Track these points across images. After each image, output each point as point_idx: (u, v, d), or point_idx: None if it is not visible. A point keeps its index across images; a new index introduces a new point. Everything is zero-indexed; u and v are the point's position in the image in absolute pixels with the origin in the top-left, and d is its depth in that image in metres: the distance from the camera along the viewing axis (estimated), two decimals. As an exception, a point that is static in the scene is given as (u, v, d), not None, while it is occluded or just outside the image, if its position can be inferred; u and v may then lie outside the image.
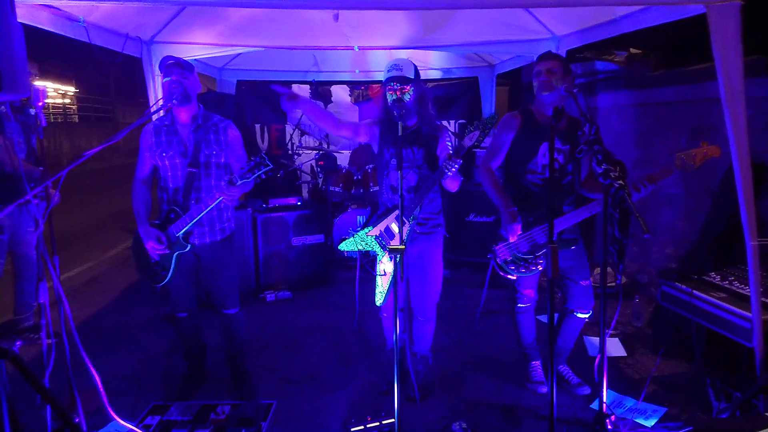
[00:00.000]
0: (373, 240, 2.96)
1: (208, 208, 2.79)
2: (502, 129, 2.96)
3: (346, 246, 3.03)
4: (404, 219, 2.79)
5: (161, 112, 2.96)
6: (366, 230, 2.98)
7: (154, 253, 2.87)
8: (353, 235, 3.01)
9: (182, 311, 3.12)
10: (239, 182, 2.64)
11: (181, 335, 3.23)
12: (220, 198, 2.72)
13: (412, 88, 2.82)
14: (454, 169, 2.63)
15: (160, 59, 2.85)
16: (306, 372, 3.46)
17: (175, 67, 2.77)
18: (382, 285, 2.97)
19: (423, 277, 3.04)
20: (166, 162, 2.87)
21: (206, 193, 2.88)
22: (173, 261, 2.90)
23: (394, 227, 2.91)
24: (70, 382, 2.52)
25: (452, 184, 2.86)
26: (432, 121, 2.96)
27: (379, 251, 2.97)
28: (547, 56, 2.87)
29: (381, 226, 2.94)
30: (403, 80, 2.79)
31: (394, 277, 2.42)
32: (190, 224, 2.83)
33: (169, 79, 2.76)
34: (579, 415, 2.91)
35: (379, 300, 2.99)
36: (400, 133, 2.54)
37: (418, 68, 2.92)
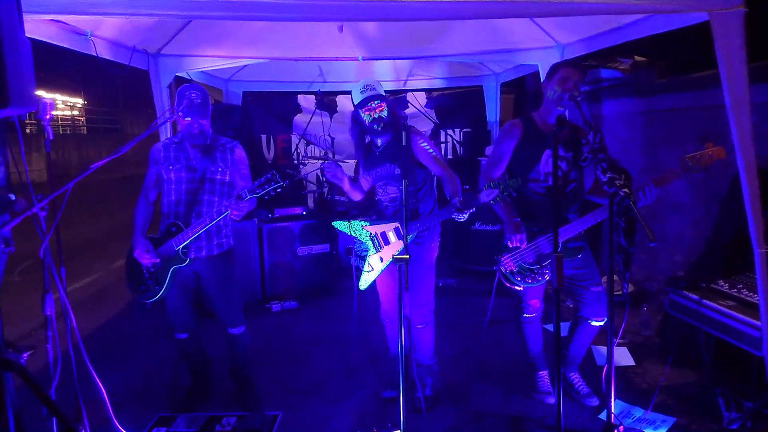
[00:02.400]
0: (366, 235, 3.01)
1: (213, 222, 2.78)
2: (503, 138, 2.95)
3: (340, 225, 3.13)
4: (402, 230, 2.86)
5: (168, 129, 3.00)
6: (363, 223, 3.03)
7: (144, 260, 2.85)
8: (350, 220, 3.06)
9: (182, 332, 3.09)
10: (248, 197, 2.66)
11: (183, 355, 3.22)
12: (227, 212, 2.73)
13: (386, 104, 2.91)
14: (463, 218, 2.64)
15: (180, 87, 2.86)
16: (312, 382, 3.45)
17: (198, 109, 2.80)
18: (365, 279, 3.02)
19: (413, 284, 3.01)
20: (172, 175, 2.92)
21: (208, 207, 2.90)
22: (168, 276, 2.87)
23: (391, 236, 2.95)
24: (77, 393, 2.53)
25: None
26: (402, 127, 2.95)
27: (370, 247, 3.00)
28: (577, 65, 2.81)
29: (378, 228, 2.98)
30: (380, 97, 2.89)
31: (399, 289, 2.43)
32: (192, 237, 2.80)
33: (189, 119, 2.81)
34: (587, 425, 2.88)
35: (362, 286, 3.02)
36: (404, 143, 2.55)
37: (421, 77, 2.97)
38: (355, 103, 2.92)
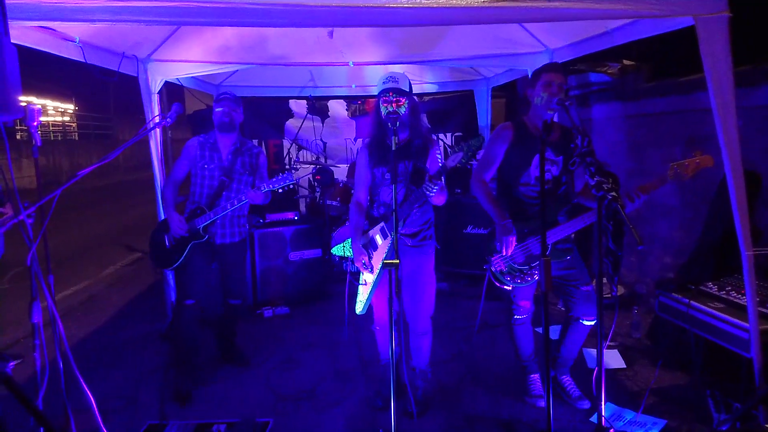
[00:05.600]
0: None
1: (233, 207, 3.32)
2: (494, 141, 2.97)
3: (337, 250, 3.23)
4: (388, 232, 2.85)
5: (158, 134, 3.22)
6: None
7: (177, 230, 3.33)
8: (344, 241, 3.14)
9: (191, 298, 3.40)
10: (265, 189, 3.25)
11: (182, 324, 3.41)
12: (245, 200, 3.30)
13: (407, 101, 2.84)
14: (434, 191, 2.63)
15: (218, 93, 3.46)
16: (303, 388, 3.43)
17: (225, 100, 3.44)
18: (362, 294, 2.99)
19: (415, 291, 3.03)
20: (206, 172, 3.43)
21: (230, 201, 3.37)
22: (188, 248, 3.36)
23: (378, 239, 2.93)
24: (65, 402, 2.50)
25: (437, 200, 2.83)
26: (423, 134, 2.97)
27: None
28: (558, 68, 2.82)
29: (367, 236, 2.97)
30: (399, 92, 2.81)
31: (390, 293, 2.42)
32: (213, 218, 3.34)
33: (220, 109, 3.41)
34: (578, 428, 2.89)
35: (359, 309, 3.00)
36: (393, 147, 2.56)
37: (413, 82, 2.95)
38: (377, 93, 2.88)
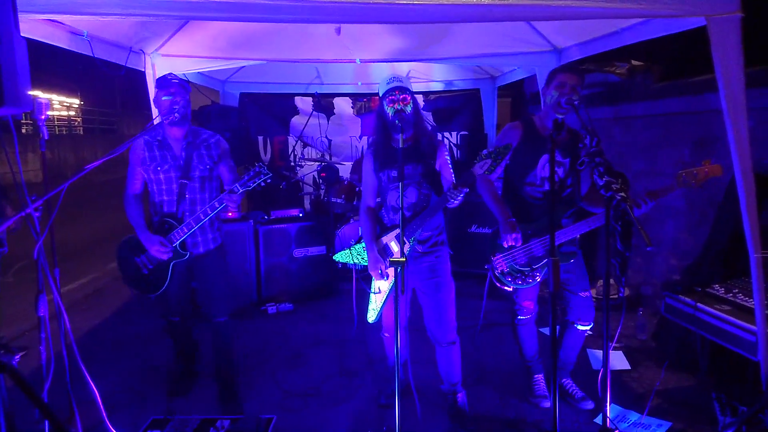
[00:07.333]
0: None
1: (208, 217, 2.92)
2: (502, 139, 2.95)
3: (341, 257, 3.11)
4: (405, 239, 2.75)
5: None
6: (363, 244, 2.97)
7: (160, 255, 2.93)
8: (350, 247, 3.04)
9: (176, 316, 3.25)
10: (240, 191, 2.83)
11: (174, 337, 3.36)
12: (224, 204, 2.88)
13: (412, 100, 2.82)
14: (459, 198, 2.55)
15: (160, 77, 2.94)
16: (309, 385, 3.43)
17: (176, 86, 2.91)
18: (375, 302, 2.94)
19: (436, 299, 2.89)
20: (161, 176, 2.98)
21: (200, 205, 3.00)
22: (170, 270, 2.99)
23: (393, 246, 2.87)
24: (69, 395, 2.51)
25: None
26: (428, 133, 2.94)
27: None
28: (573, 69, 2.81)
29: (380, 243, 2.91)
30: (405, 90, 2.79)
31: (396, 291, 2.40)
32: (188, 233, 2.94)
33: (170, 98, 2.88)
34: (583, 429, 2.88)
35: (371, 317, 2.96)
36: (401, 144, 2.55)
37: (420, 80, 2.94)
38: (380, 95, 2.84)
